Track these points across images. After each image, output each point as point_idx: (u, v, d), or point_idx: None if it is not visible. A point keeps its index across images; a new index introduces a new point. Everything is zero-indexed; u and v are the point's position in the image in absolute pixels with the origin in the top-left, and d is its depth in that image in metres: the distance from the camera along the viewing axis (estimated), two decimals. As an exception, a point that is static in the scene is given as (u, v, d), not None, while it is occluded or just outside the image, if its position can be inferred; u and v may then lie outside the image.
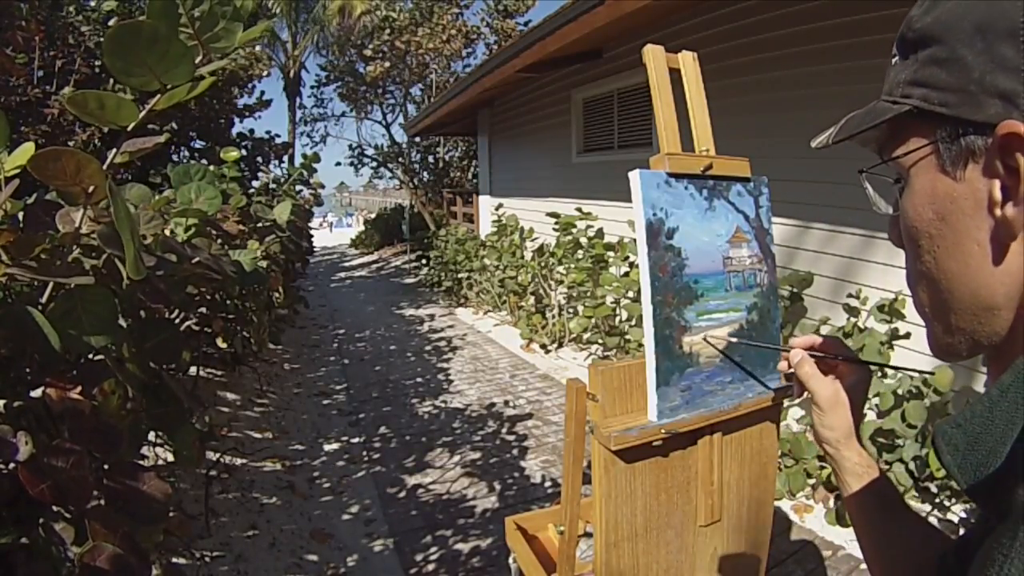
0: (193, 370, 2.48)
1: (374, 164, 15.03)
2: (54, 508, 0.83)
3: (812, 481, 2.63)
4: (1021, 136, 0.34)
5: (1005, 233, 0.36)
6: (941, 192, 0.40)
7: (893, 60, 0.45)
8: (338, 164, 33.03)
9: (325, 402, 4.17)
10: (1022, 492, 0.30)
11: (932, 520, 2.13)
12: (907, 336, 2.62)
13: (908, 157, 0.42)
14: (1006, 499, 0.31)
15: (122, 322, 0.99)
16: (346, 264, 12.84)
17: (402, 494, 2.85)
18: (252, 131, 7.57)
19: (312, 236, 6.91)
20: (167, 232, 1.48)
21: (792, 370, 0.70)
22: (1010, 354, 0.38)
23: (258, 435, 3.32)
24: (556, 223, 5.06)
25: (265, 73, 7.91)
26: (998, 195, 0.36)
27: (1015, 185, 0.35)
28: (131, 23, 0.69)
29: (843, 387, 0.66)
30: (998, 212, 0.36)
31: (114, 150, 0.86)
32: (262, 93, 7.76)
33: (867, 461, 0.65)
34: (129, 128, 0.80)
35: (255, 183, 6.26)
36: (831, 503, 2.51)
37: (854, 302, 2.82)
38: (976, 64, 0.37)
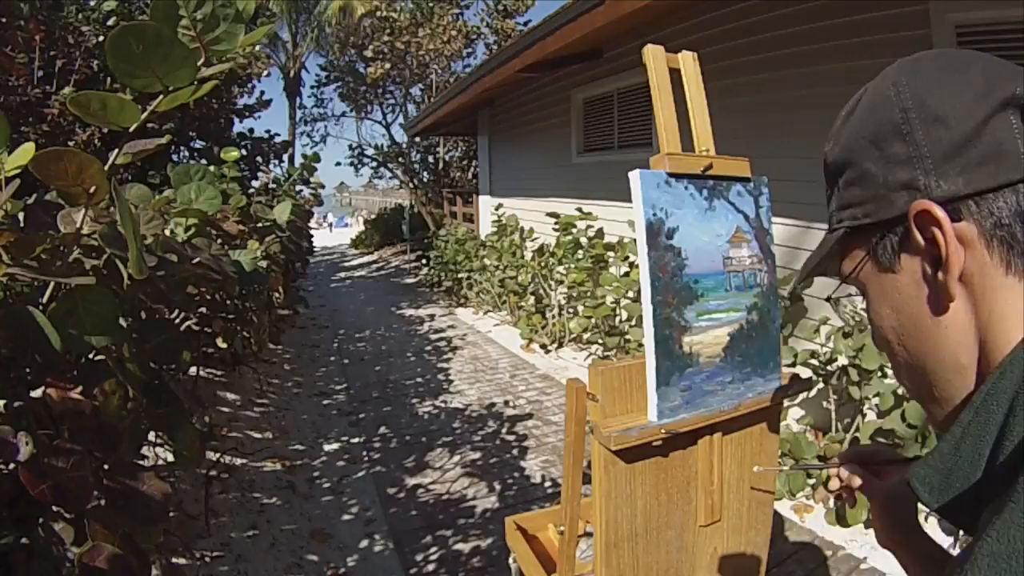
0: (193, 370, 2.48)
1: (374, 164, 15.04)
2: (54, 508, 0.83)
3: (812, 481, 2.63)
4: (928, 212, 0.40)
5: (945, 298, 0.41)
6: (889, 288, 0.46)
7: (827, 194, 0.52)
8: (338, 164, 33.00)
9: (325, 402, 4.17)
10: (985, 514, 0.33)
11: (932, 520, 2.13)
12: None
13: (856, 269, 0.48)
14: (975, 523, 0.34)
15: (122, 322, 0.99)
16: (346, 264, 12.84)
17: (402, 494, 2.85)
18: (252, 131, 7.56)
19: (312, 236, 6.91)
20: (167, 232, 1.48)
21: (845, 484, 0.71)
22: (969, 396, 0.42)
23: (258, 435, 3.32)
24: (556, 223, 5.06)
25: (264, 72, 7.90)
26: (929, 269, 0.42)
27: (937, 253, 0.41)
28: (135, 25, 0.69)
29: (896, 483, 0.66)
30: (935, 280, 0.42)
31: (116, 151, 0.86)
32: (262, 93, 7.75)
33: (936, 546, 0.64)
34: (131, 129, 0.80)
35: (255, 183, 6.26)
36: (831, 503, 2.51)
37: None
38: (878, 171, 0.44)
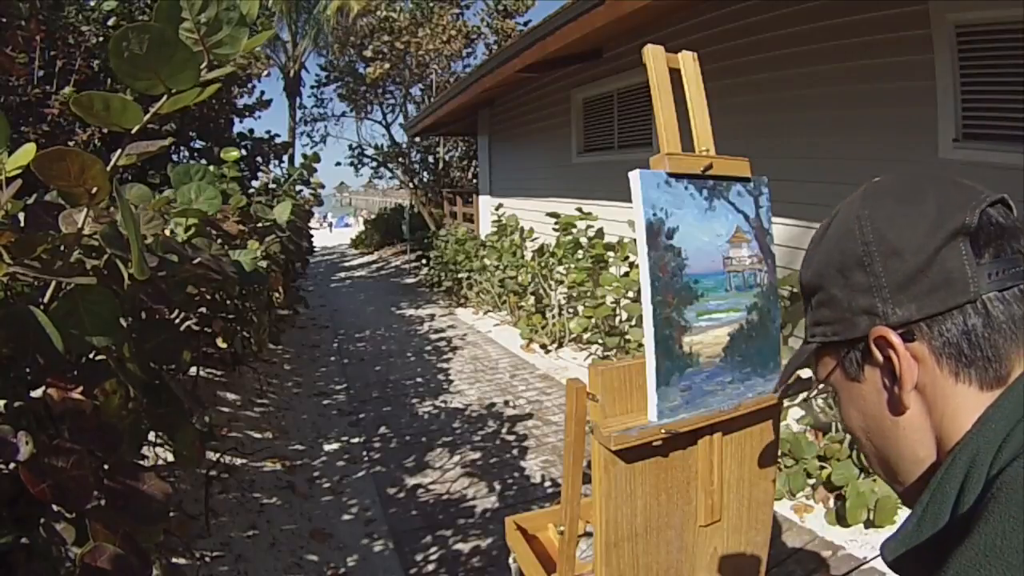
0: (193, 370, 2.48)
1: (374, 164, 15.03)
2: (54, 508, 0.83)
3: (812, 481, 2.63)
4: (884, 337, 0.47)
5: (901, 406, 0.49)
6: (855, 395, 0.53)
7: (803, 307, 0.59)
8: (338, 164, 33.01)
9: (325, 402, 4.17)
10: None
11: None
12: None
13: (828, 376, 0.55)
14: None
15: (123, 322, 0.99)
16: (346, 264, 12.84)
17: (402, 494, 2.85)
18: (252, 131, 7.57)
19: (312, 236, 6.91)
20: (167, 232, 1.49)
21: None
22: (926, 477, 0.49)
23: (258, 435, 3.32)
24: (556, 223, 5.05)
25: (265, 72, 7.91)
26: (888, 381, 0.49)
27: (893, 371, 0.48)
28: (138, 26, 0.69)
29: None
30: (892, 391, 0.49)
31: (118, 152, 0.86)
32: (262, 93, 7.76)
33: None
34: (133, 131, 0.80)
35: (255, 183, 6.26)
36: (831, 503, 2.51)
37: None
38: (844, 296, 0.51)
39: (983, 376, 0.46)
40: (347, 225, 23.46)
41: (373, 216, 17.13)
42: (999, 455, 0.41)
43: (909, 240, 0.47)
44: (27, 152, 0.92)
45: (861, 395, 0.52)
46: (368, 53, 12.12)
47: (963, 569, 0.36)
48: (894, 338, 0.47)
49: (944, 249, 0.46)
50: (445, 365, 5.04)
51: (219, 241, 1.96)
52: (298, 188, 5.25)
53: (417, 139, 13.65)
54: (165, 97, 0.78)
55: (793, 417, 3.06)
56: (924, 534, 0.44)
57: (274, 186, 5.41)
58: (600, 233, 4.97)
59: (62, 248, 0.93)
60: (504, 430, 3.59)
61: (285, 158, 8.46)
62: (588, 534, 1.60)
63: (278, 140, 7.63)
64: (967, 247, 0.46)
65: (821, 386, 0.59)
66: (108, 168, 0.79)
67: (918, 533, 0.44)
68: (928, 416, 0.48)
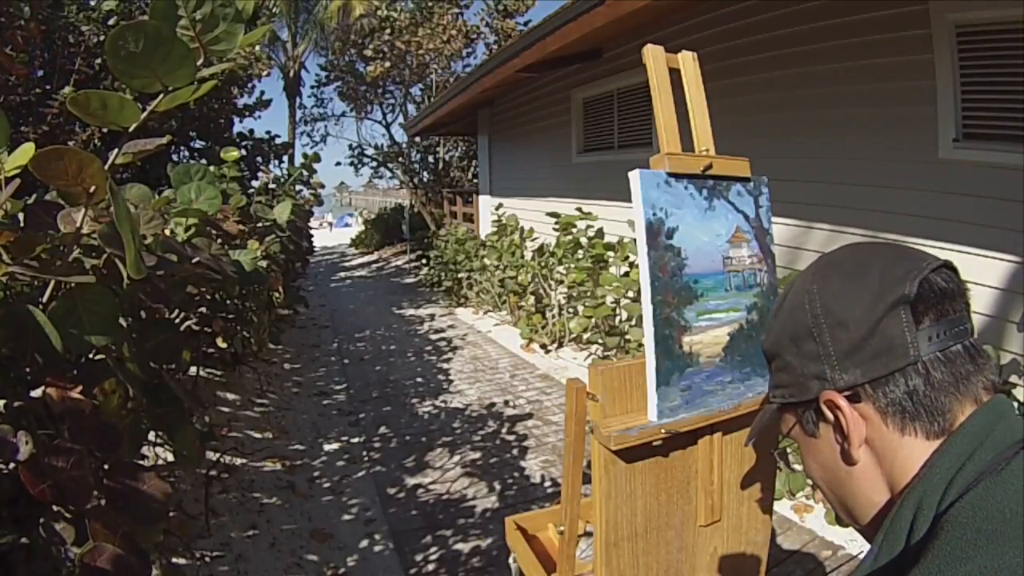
0: (193, 370, 2.48)
1: (374, 164, 15.03)
2: (54, 508, 0.83)
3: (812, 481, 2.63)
4: (832, 400, 0.53)
5: (850, 459, 0.54)
6: (813, 448, 0.58)
7: (768, 368, 0.64)
8: (338, 164, 33.04)
9: (325, 402, 4.16)
10: None
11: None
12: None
13: (790, 432, 0.61)
14: None
15: (122, 322, 0.99)
16: (346, 264, 12.84)
17: (402, 494, 2.85)
18: (252, 131, 7.57)
19: (312, 236, 6.91)
20: (167, 232, 1.48)
21: None
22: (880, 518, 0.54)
23: (258, 435, 3.32)
24: (556, 223, 5.05)
25: (265, 72, 7.91)
26: (839, 437, 0.54)
27: (842, 429, 0.53)
28: (134, 24, 0.69)
29: None
30: (843, 445, 0.54)
31: (116, 150, 0.86)
32: (262, 93, 7.76)
33: None
34: (131, 129, 0.80)
35: (255, 183, 6.26)
36: (831, 503, 2.51)
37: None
38: (797, 363, 0.56)
39: (928, 428, 0.50)
40: (347, 225, 23.46)
41: (373, 216, 17.13)
42: (946, 495, 0.46)
43: (853, 312, 0.52)
44: (26, 152, 0.92)
45: (818, 448, 0.58)
46: (368, 52, 12.11)
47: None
48: (841, 401, 0.52)
49: (885, 319, 0.50)
50: (445, 365, 5.03)
51: (219, 241, 1.96)
52: (298, 188, 5.25)
53: (417, 139, 13.65)
54: (162, 95, 0.78)
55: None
56: (881, 561, 0.49)
57: (274, 186, 5.40)
58: (600, 233, 4.97)
59: (61, 248, 0.93)
60: (504, 430, 3.59)
61: (285, 158, 8.46)
62: (588, 534, 1.60)
63: (278, 140, 7.64)
64: (907, 315, 0.50)
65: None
66: (106, 167, 0.79)
67: (874, 565, 0.49)
68: (879, 466, 0.53)
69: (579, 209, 4.99)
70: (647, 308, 1.10)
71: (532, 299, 5.87)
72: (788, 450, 2.67)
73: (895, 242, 0.57)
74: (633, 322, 4.35)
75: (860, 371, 0.52)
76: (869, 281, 0.52)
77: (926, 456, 0.50)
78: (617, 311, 4.53)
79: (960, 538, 0.40)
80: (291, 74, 18.74)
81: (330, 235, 19.61)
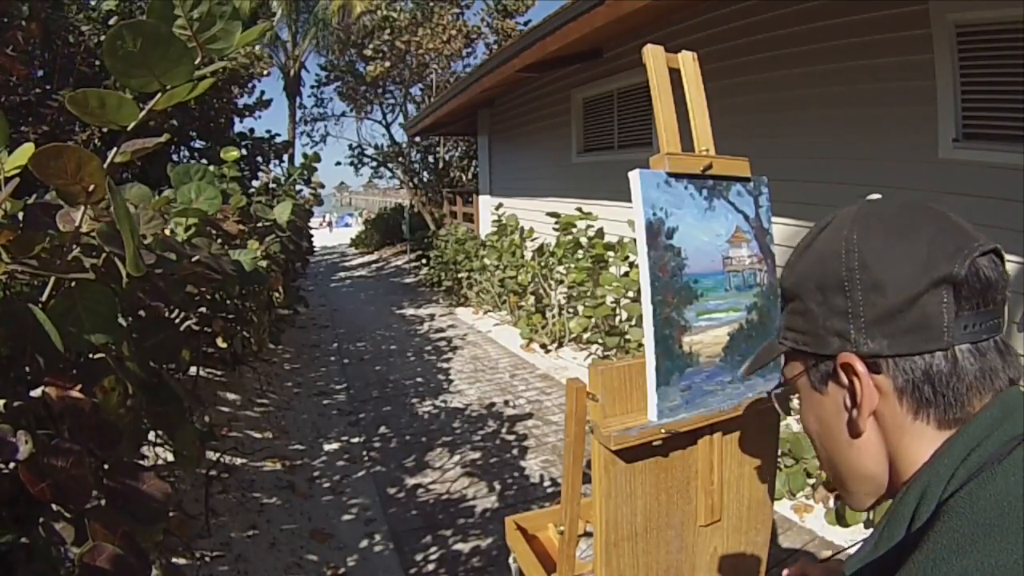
0: (193, 370, 2.48)
1: (374, 164, 15.03)
2: (54, 507, 0.83)
3: (812, 481, 2.63)
4: (850, 364, 0.49)
5: (857, 428, 0.51)
6: (816, 403, 0.55)
7: (780, 306, 0.61)
8: (338, 164, 32.96)
9: (325, 402, 4.16)
10: None
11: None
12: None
13: (793, 379, 0.58)
14: None
15: (122, 321, 0.99)
16: (346, 264, 12.84)
17: (402, 494, 2.85)
18: (252, 131, 7.57)
19: (312, 236, 6.91)
20: (167, 232, 1.48)
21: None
22: (893, 492, 0.52)
23: (258, 435, 3.32)
24: (556, 223, 5.05)
25: (265, 72, 7.90)
26: (848, 402, 0.51)
27: (854, 395, 0.50)
28: (132, 23, 0.68)
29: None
30: (851, 412, 0.51)
31: (114, 149, 0.86)
32: (262, 93, 7.76)
33: None
34: (129, 128, 0.80)
35: (255, 183, 6.26)
36: (831, 503, 2.51)
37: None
38: (820, 313, 0.52)
39: (941, 418, 0.48)
40: (347, 225, 23.46)
41: (373, 216, 17.14)
42: (948, 485, 0.44)
43: (893, 278, 0.48)
44: (25, 152, 0.92)
45: (821, 405, 0.55)
46: (368, 52, 12.11)
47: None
48: (860, 367, 0.49)
49: (927, 295, 0.46)
50: (445, 365, 5.03)
51: (219, 241, 1.96)
52: (298, 188, 5.25)
53: (417, 139, 13.65)
54: (160, 94, 0.78)
55: (793, 417, 3.06)
56: (881, 549, 0.47)
57: (274, 186, 5.41)
58: (600, 233, 4.97)
59: (60, 246, 0.93)
60: (504, 430, 3.59)
61: (285, 158, 8.46)
62: (588, 534, 1.60)
63: (278, 140, 7.63)
64: (949, 296, 0.46)
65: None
66: (104, 165, 0.79)
67: (874, 553, 0.48)
68: (883, 442, 0.51)
69: (579, 209, 4.99)
70: (647, 308, 1.10)
71: (532, 299, 5.87)
72: (787, 450, 2.67)
73: (943, 209, 0.51)
74: (633, 322, 4.35)
75: (888, 342, 0.48)
76: (917, 248, 0.48)
77: (935, 446, 0.47)
78: (617, 311, 4.53)
79: (957, 530, 0.39)
80: (291, 74, 18.73)
81: (330, 235, 19.62)
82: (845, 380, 0.51)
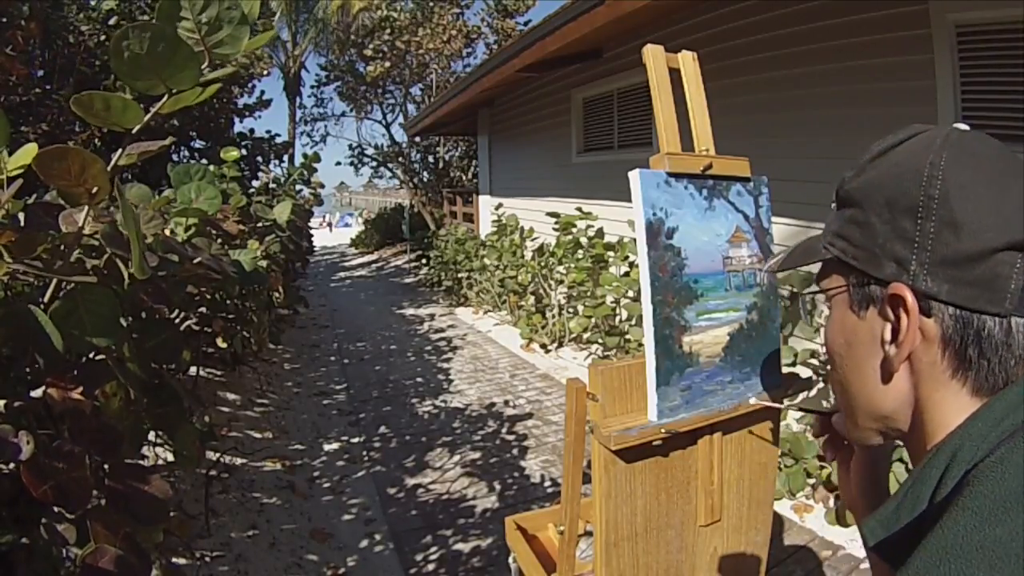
0: (193, 370, 2.49)
1: (374, 164, 15.03)
2: (55, 508, 0.83)
3: (812, 481, 2.63)
4: (903, 298, 0.45)
5: (890, 366, 0.48)
6: (849, 325, 0.51)
7: (832, 205, 0.55)
8: (338, 164, 32.97)
9: (325, 402, 4.17)
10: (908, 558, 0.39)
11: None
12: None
13: (829, 291, 0.53)
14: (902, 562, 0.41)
15: (123, 322, 0.99)
16: (346, 264, 12.84)
17: (402, 494, 2.85)
18: (252, 131, 7.58)
19: (312, 236, 6.91)
20: (167, 232, 1.48)
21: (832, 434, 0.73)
22: (913, 445, 0.50)
23: (258, 435, 3.32)
24: (556, 223, 5.05)
25: (265, 72, 7.91)
26: (888, 335, 0.47)
27: (897, 331, 0.46)
28: (139, 25, 0.68)
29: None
30: (887, 348, 0.47)
31: (119, 151, 0.86)
32: (262, 93, 7.77)
33: None
34: (133, 130, 0.80)
35: (255, 183, 6.26)
36: (831, 503, 2.51)
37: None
38: (881, 231, 0.47)
39: (979, 383, 0.45)
40: (347, 225, 23.45)
41: (373, 216, 17.14)
42: (980, 448, 0.41)
43: (973, 223, 0.43)
44: (28, 152, 0.92)
45: (855, 329, 0.50)
46: (368, 52, 12.12)
47: (924, 566, 0.37)
48: (912, 304, 0.45)
49: (1002, 253, 0.43)
50: (445, 365, 5.03)
51: (219, 241, 1.96)
52: (298, 188, 5.25)
53: (417, 139, 13.65)
54: (166, 97, 0.78)
55: (793, 417, 3.06)
56: (903, 520, 0.44)
57: (274, 186, 5.41)
58: (600, 233, 4.97)
59: (62, 247, 0.93)
60: (504, 430, 3.59)
61: (285, 158, 8.46)
62: (588, 534, 1.61)
63: (278, 140, 7.64)
64: (1022, 264, 0.43)
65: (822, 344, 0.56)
66: (109, 167, 0.79)
67: (896, 517, 0.45)
68: (914, 391, 0.47)
69: (579, 209, 4.99)
70: (647, 308, 1.10)
71: (532, 299, 5.88)
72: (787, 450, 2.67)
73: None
74: (633, 322, 4.35)
75: (948, 287, 0.44)
76: (1006, 200, 0.43)
77: (966, 411, 0.44)
78: (617, 311, 4.53)
79: (989, 496, 0.37)
80: (291, 74, 18.72)
81: (330, 235, 19.62)
82: (890, 312, 0.46)
